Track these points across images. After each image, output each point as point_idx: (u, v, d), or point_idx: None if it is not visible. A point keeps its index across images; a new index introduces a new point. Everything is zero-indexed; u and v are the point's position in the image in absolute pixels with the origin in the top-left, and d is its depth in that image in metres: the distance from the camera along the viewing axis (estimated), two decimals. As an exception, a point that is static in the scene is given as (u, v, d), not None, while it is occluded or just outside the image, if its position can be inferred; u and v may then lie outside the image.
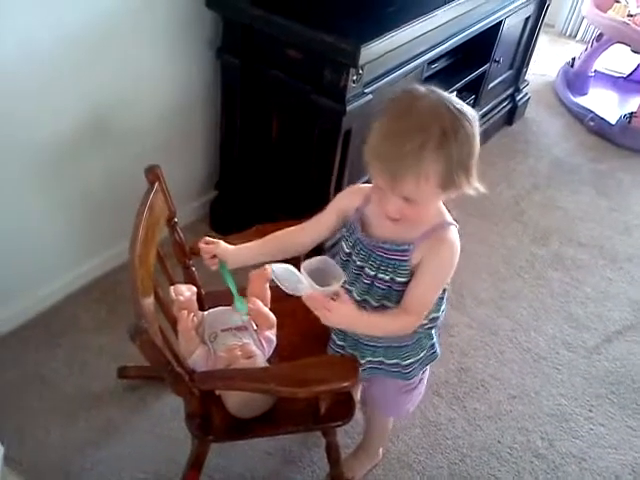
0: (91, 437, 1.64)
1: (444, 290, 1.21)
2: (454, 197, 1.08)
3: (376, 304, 1.20)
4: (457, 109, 1.00)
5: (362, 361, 1.28)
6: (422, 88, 1.03)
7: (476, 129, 1.02)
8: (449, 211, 1.18)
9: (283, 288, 1.12)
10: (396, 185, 1.01)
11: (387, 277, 1.15)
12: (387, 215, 1.08)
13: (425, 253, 1.11)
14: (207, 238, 1.32)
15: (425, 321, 1.20)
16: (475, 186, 1.07)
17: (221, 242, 1.31)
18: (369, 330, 1.19)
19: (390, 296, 1.18)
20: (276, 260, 1.30)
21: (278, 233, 1.32)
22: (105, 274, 2.06)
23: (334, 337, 1.34)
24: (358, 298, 1.22)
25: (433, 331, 1.29)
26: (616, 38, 3.23)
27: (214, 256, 1.30)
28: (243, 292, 1.44)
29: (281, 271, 1.14)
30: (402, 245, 1.12)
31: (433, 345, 1.31)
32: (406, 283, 1.14)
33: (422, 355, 1.29)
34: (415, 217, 1.09)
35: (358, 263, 1.19)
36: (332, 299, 1.09)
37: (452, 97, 1.03)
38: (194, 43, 1.94)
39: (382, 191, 1.05)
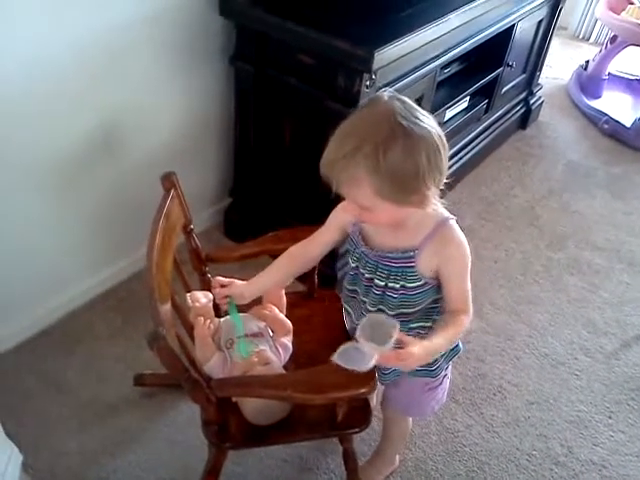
0: (107, 445, 1.64)
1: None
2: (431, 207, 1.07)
3: (392, 313, 1.19)
4: (400, 125, 0.97)
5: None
6: (384, 97, 1.02)
7: (425, 147, 0.98)
8: (457, 213, 1.17)
9: (357, 369, 1.06)
10: (337, 187, 1.03)
11: (398, 285, 1.16)
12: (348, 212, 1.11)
13: (437, 258, 1.12)
14: (220, 279, 1.33)
15: None
16: (429, 205, 1.05)
17: (235, 281, 1.32)
18: (445, 349, 1.18)
19: (407, 302, 1.18)
20: (289, 277, 1.36)
21: (285, 255, 1.33)
22: (120, 282, 2.07)
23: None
24: (372, 309, 1.22)
25: None
26: (630, 40, 3.20)
27: (225, 297, 1.31)
28: (259, 299, 1.44)
29: (344, 358, 1.06)
30: (407, 252, 1.13)
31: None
32: (419, 287, 1.15)
33: (446, 350, 1.28)
34: (376, 221, 1.11)
35: (367, 275, 1.20)
36: (400, 347, 1.06)
37: (409, 111, 0.99)
38: (207, 51, 1.95)
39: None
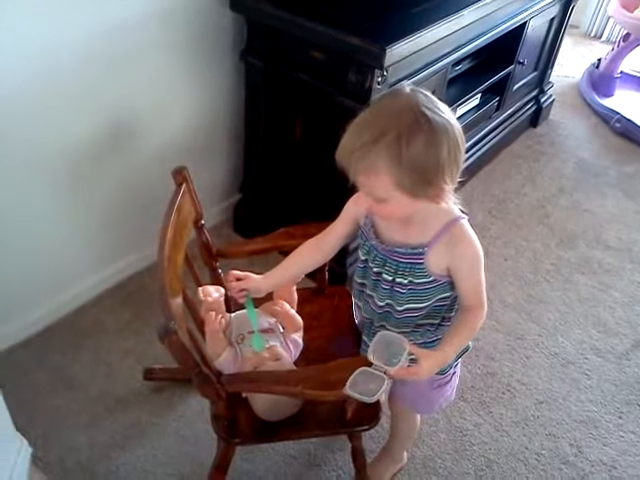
0: (117, 439, 1.64)
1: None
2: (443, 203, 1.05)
3: (400, 308, 1.19)
4: (425, 115, 0.96)
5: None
6: (406, 88, 1.01)
7: (446, 138, 0.97)
8: (468, 210, 1.16)
9: (367, 400, 1.04)
10: (353, 177, 1.02)
11: (405, 281, 1.15)
12: (360, 206, 1.10)
13: (449, 257, 1.11)
14: (236, 273, 1.33)
15: (453, 314, 1.22)
16: (444, 200, 1.04)
17: (250, 275, 1.32)
18: (458, 350, 1.16)
19: (415, 298, 1.17)
20: (305, 271, 1.36)
21: (300, 248, 1.33)
22: (129, 277, 2.08)
23: (365, 339, 1.34)
24: (381, 303, 1.22)
25: None
26: (643, 39, 3.18)
27: (241, 290, 1.31)
28: (270, 295, 1.44)
29: (359, 388, 1.04)
30: (416, 248, 1.12)
31: None
32: (428, 283, 1.14)
33: None
34: (388, 215, 1.10)
35: (375, 269, 1.19)
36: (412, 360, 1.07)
37: (432, 103, 0.99)
38: (218, 46, 1.94)
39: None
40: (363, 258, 1.22)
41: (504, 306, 2.14)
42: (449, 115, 1.00)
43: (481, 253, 1.13)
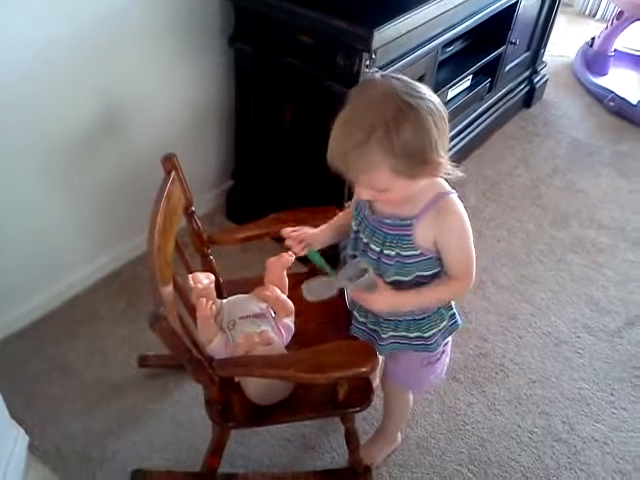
0: (112, 425, 1.66)
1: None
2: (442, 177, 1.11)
3: (388, 280, 1.20)
4: (406, 102, 0.98)
5: (384, 336, 1.30)
6: (377, 77, 1.04)
7: (430, 117, 0.99)
8: (461, 193, 1.17)
9: (324, 297, 1.19)
10: (352, 177, 1.06)
11: (393, 253, 1.17)
12: (361, 198, 1.14)
13: (435, 230, 1.13)
14: (289, 228, 1.33)
15: None
16: (443, 172, 1.07)
17: (304, 228, 1.33)
18: (421, 304, 1.22)
19: (403, 271, 1.19)
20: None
21: (342, 214, 1.37)
22: (124, 266, 2.08)
23: (356, 314, 1.35)
24: None
25: (452, 302, 1.31)
26: (637, 16, 3.16)
27: (301, 241, 1.31)
28: (261, 280, 1.45)
29: (313, 292, 1.20)
30: (405, 220, 1.14)
31: (453, 315, 1.32)
32: (414, 256, 1.16)
33: (443, 325, 1.29)
34: (392, 201, 1.12)
35: (364, 240, 1.22)
36: None
37: (407, 86, 1.01)
38: (207, 32, 1.93)
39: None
40: (355, 229, 1.25)
41: (497, 287, 2.15)
42: (426, 92, 1.03)
43: (469, 226, 1.15)
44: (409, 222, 1.14)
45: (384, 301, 1.17)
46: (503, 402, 1.80)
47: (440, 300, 1.24)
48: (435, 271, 1.20)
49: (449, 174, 1.09)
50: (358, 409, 1.33)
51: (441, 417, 1.75)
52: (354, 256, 1.28)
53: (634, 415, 1.80)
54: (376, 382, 1.74)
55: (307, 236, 1.31)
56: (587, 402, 1.82)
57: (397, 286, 1.20)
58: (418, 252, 1.16)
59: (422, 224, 1.13)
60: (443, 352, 1.37)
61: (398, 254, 1.16)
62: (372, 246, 1.19)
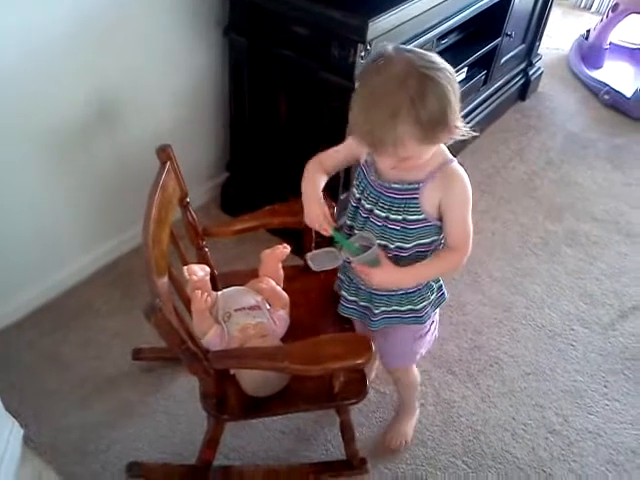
0: (107, 418, 1.66)
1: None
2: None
3: (392, 246, 1.22)
4: (426, 75, 1.01)
5: (376, 311, 1.32)
6: (391, 51, 1.06)
7: (446, 82, 1.03)
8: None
9: (328, 267, 1.25)
10: (377, 151, 1.09)
11: (399, 217, 1.19)
12: (383, 168, 1.16)
13: (440, 192, 1.16)
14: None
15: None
16: (461, 133, 1.10)
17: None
18: (420, 279, 1.26)
19: (406, 237, 1.21)
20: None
21: (321, 157, 1.36)
22: (118, 258, 2.07)
23: (344, 294, 1.37)
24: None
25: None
26: (632, 8, 3.16)
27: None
28: (256, 273, 1.44)
29: (317, 262, 1.25)
30: (412, 184, 1.17)
31: (441, 287, 1.36)
32: (418, 221, 1.18)
33: (432, 297, 1.33)
34: (412, 167, 1.13)
35: (367, 206, 1.23)
36: None
37: (423, 58, 1.04)
38: (201, 22, 1.92)
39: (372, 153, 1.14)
40: (357, 197, 1.26)
41: (492, 280, 2.15)
42: (439, 60, 1.06)
43: (470, 195, 1.18)
44: (417, 186, 1.16)
45: (388, 276, 1.19)
46: (497, 394, 1.81)
47: (440, 272, 1.28)
48: (433, 239, 1.22)
49: (464, 135, 1.11)
50: (354, 401, 1.34)
51: (435, 409, 1.75)
52: (351, 227, 1.30)
53: (627, 407, 1.81)
54: (372, 376, 1.74)
55: (326, 212, 1.28)
56: (581, 394, 1.83)
57: (398, 260, 1.22)
58: (422, 217, 1.18)
59: (429, 188, 1.16)
60: (432, 322, 1.41)
61: (404, 219, 1.19)
62: (376, 211, 1.21)
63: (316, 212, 1.27)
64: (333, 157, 1.34)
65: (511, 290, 2.13)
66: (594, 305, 2.11)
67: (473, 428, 1.72)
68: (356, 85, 1.09)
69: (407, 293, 1.29)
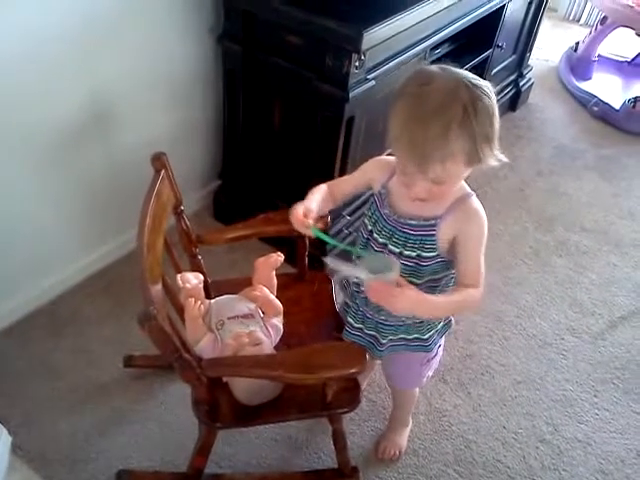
0: (97, 426, 1.64)
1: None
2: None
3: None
4: (472, 84, 1.00)
5: (383, 341, 1.31)
6: (434, 67, 1.04)
7: (494, 100, 1.03)
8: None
9: (342, 270, 1.10)
10: (424, 169, 1.02)
11: (414, 254, 1.16)
12: (414, 197, 1.09)
13: (457, 228, 1.12)
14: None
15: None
16: (498, 157, 1.07)
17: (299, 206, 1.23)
18: (435, 312, 1.18)
19: (418, 273, 1.18)
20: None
21: (330, 184, 1.30)
22: (110, 265, 2.06)
23: (351, 321, 1.35)
24: None
25: None
26: (620, 21, 3.20)
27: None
28: (249, 281, 1.44)
29: (337, 272, 1.13)
30: (429, 220, 1.13)
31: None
32: (433, 258, 1.15)
33: (439, 326, 1.32)
34: (441, 195, 1.10)
35: (381, 240, 1.19)
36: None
37: (465, 72, 1.03)
38: (196, 30, 1.92)
39: (408, 175, 1.06)
40: (369, 228, 1.22)
41: (483, 289, 2.16)
42: (481, 79, 1.03)
43: (486, 232, 1.14)
44: (434, 222, 1.13)
45: (408, 299, 1.05)
46: (488, 403, 1.81)
47: (453, 310, 1.22)
48: (444, 274, 1.19)
49: (500, 161, 1.08)
50: (346, 410, 1.33)
51: (427, 418, 1.76)
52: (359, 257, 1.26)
53: (616, 416, 1.82)
54: (364, 384, 1.75)
55: (308, 207, 1.20)
56: (571, 403, 1.84)
57: None
58: (436, 253, 1.15)
59: (446, 223, 1.13)
60: (439, 346, 1.40)
61: (419, 255, 1.15)
62: (390, 247, 1.18)
63: (298, 211, 1.18)
64: (343, 185, 1.31)
65: (502, 299, 2.14)
66: (584, 314, 2.13)
67: (464, 437, 1.72)
68: (396, 98, 1.04)
69: (415, 323, 1.27)
